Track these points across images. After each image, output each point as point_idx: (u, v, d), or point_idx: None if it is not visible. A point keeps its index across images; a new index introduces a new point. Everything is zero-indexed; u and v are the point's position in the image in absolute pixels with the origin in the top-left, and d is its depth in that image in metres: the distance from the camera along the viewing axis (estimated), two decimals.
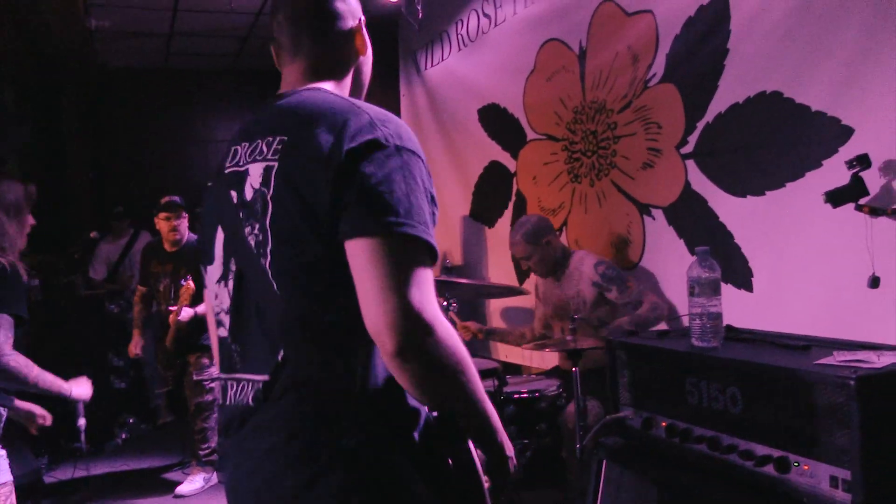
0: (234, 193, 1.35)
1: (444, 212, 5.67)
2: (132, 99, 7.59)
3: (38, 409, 2.82)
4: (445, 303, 3.19)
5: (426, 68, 5.80)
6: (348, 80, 1.49)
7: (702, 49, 3.42)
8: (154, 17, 6.20)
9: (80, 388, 2.78)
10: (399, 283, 1.15)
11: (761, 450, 1.80)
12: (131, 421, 6.06)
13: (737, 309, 3.31)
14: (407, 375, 1.18)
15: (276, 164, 1.28)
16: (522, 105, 4.71)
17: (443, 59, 5.53)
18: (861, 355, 1.73)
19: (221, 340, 1.40)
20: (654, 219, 3.80)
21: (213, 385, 4.81)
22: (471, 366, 1.24)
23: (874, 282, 2.71)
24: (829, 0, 2.88)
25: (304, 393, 1.25)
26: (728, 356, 1.92)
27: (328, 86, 1.43)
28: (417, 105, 5.97)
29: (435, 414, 1.32)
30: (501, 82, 4.88)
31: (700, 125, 3.47)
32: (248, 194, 1.32)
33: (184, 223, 4.76)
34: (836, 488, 1.62)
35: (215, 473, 4.90)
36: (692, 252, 3.52)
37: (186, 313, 4.48)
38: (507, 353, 4.93)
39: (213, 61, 7.62)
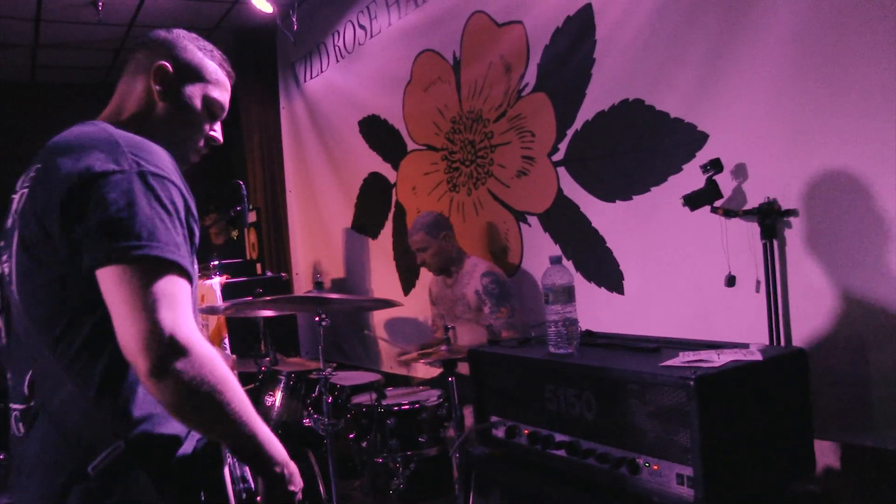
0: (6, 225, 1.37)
1: (324, 225, 5.62)
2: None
3: None
4: (318, 319, 3.13)
5: (305, 80, 5.72)
6: (145, 125, 1.47)
7: (570, 59, 3.50)
8: (16, 27, 5.89)
9: None
10: (148, 305, 1.14)
11: (616, 452, 1.82)
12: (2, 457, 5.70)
13: (609, 312, 3.40)
14: (163, 397, 1.17)
15: (27, 191, 1.30)
16: (402, 116, 4.70)
17: (322, 71, 5.47)
18: (704, 355, 1.77)
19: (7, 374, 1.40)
20: (530, 225, 3.85)
21: None
22: (232, 387, 1.22)
23: (730, 281, 2.83)
24: (682, 10, 2.98)
25: (53, 420, 1.24)
26: (580, 362, 1.94)
27: (109, 122, 1.44)
28: (297, 118, 5.88)
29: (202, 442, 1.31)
30: (380, 93, 4.86)
31: (570, 133, 3.54)
32: (8, 223, 1.34)
33: None
34: (681, 485, 1.66)
35: None
36: (568, 256, 3.61)
37: None
38: (391, 364, 4.90)
39: (85, 75, 7.31)
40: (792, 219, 2.69)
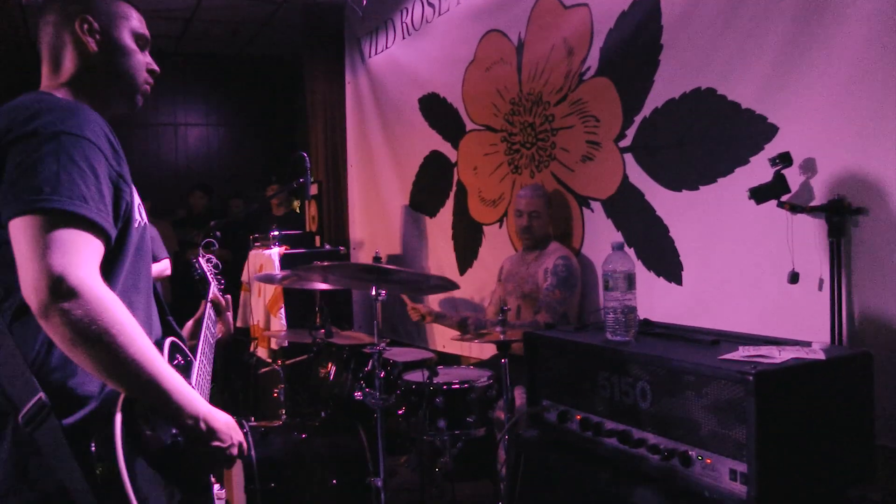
0: None
1: (382, 202, 5.65)
2: None
3: None
4: (374, 293, 3.16)
5: (370, 56, 5.74)
6: (87, 79, 1.54)
7: (635, 43, 3.44)
8: None
9: None
10: (41, 250, 1.21)
11: (668, 444, 1.81)
12: None
13: (667, 303, 3.36)
14: (53, 336, 1.23)
15: None
16: (461, 95, 4.69)
17: (387, 47, 5.48)
18: (764, 350, 1.74)
19: None
20: (592, 211, 3.81)
21: None
22: (130, 332, 1.26)
23: (793, 277, 2.76)
24: (755, 2, 2.91)
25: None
26: (638, 351, 1.92)
27: (51, 88, 1.52)
28: (361, 93, 5.91)
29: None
30: (441, 72, 4.85)
31: (637, 119, 3.49)
32: None
33: None
34: (734, 481, 1.64)
35: None
36: (629, 243, 3.58)
37: None
38: (444, 343, 4.92)
39: (156, 42, 7.45)
40: (861, 217, 2.61)
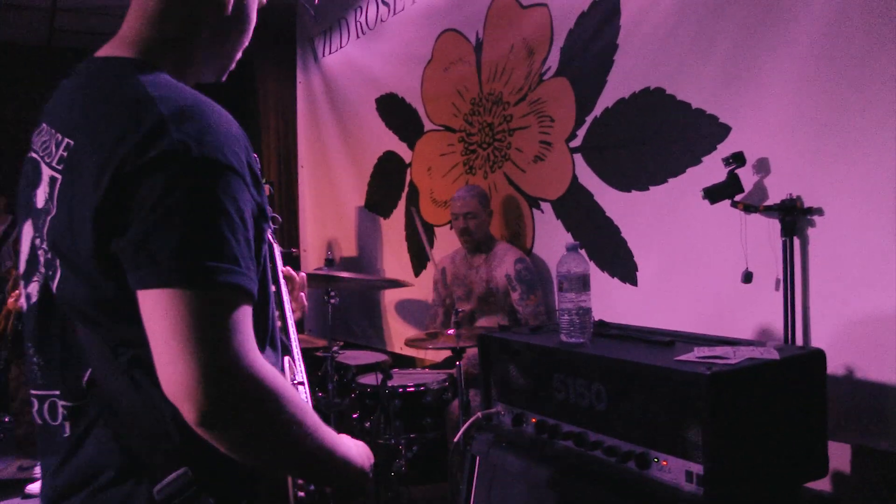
0: (31, 189, 1.12)
1: (337, 203, 5.59)
2: (14, 77, 7.13)
3: None
4: (326, 297, 3.11)
5: (324, 55, 5.66)
6: (180, 44, 1.17)
7: (594, 44, 3.44)
8: None
9: None
10: (197, 342, 0.92)
11: (625, 446, 1.79)
12: (7, 420, 5.74)
13: (622, 303, 3.35)
14: (222, 446, 0.96)
15: (60, 177, 1.04)
16: (420, 95, 4.64)
17: (341, 47, 5.41)
18: (719, 351, 1.73)
19: (26, 348, 1.18)
20: (542, 212, 3.80)
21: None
22: (301, 422, 1.02)
23: (747, 277, 2.78)
24: (707, 4, 2.92)
25: (113, 430, 1.06)
26: (593, 352, 1.90)
27: (137, 55, 1.13)
28: (314, 93, 5.83)
29: None
30: (399, 72, 4.80)
31: (589, 119, 3.49)
32: (39, 201, 1.09)
33: None
34: (690, 482, 1.62)
35: None
36: (582, 245, 3.56)
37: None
38: (400, 345, 4.87)
39: (99, 40, 7.25)
40: (815, 217, 2.63)
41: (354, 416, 3.55)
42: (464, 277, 3.90)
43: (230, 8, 1.19)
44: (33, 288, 1.14)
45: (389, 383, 3.42)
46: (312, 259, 5.93)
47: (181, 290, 0.92)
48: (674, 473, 1.66)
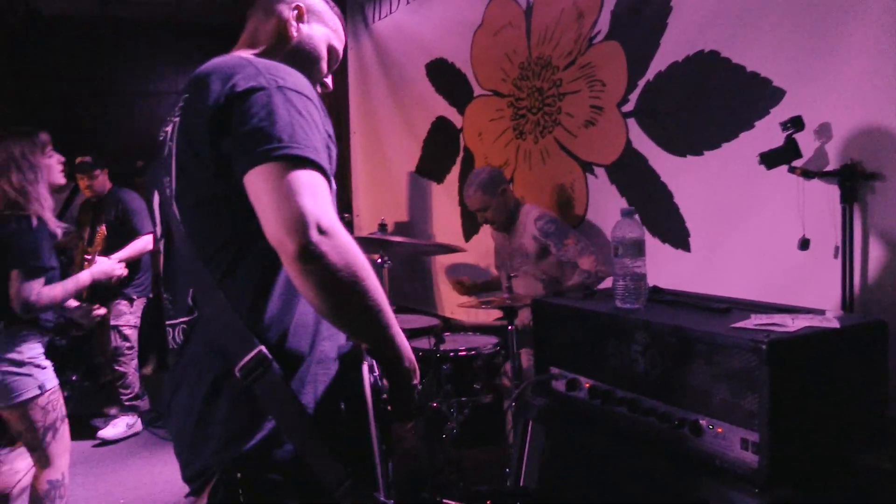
0: (162, 167, 1.43)
1: (388, 168, 5.62)
2: (67, 48, 7.25)
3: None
4: (380, 260, 3.14)
5: (374, 21, 5.66)
6: (276, 59, 1.48)
7: (646, 6, 3.38)
8: None
9: (100, 268, 3.24)
10: (292, 192, 1.18)
11: (679, 413, 1.80)
12: (74, 378, 5.94)
13: (674, 269, 3.33)
14: (307, 279, 1.18)
15: (178, 119, 1.38)
16: (469, 60, 4.62)
17: (391, 13, 5.39)
18: (777, 318, 1.72)
19: (164, 294, 1.50)
20: (596, 177, 3.78)
21: (129, 331, 4.81)
22: (373, 278, 1.25)
23: (804, 244, 2.73)
24: None
25: (206, 330, 1.33)
26: (647, 318, 1.90)
27: (247, 53, 1.51)
28: (364, 59, 5.84)
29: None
30: (449, 37, 4.78)
31: (641, 83, 3.44)
32: (165, 151, 1.42)
33: (99, 181, 4.88)
34: (745, 450, 1.63)
35: (139, 419, 4.91)
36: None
37: (101, 262, 4.36)
38: (452, 309, 4.92)
39: (155, 10, 7.33)
40: (876, 183, 2.58)
41: None
42: (502, 249, 3.91)
43: (293, 32, 1.58)
44: (162, 243, 1.48)
45: (441, 347, 3.46)
46: (365, 224, 5.99)
47: (279, 162, 1.20)
48: (729, 441, 1.67)
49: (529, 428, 2.31)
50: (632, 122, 3.51)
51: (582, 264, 3.55)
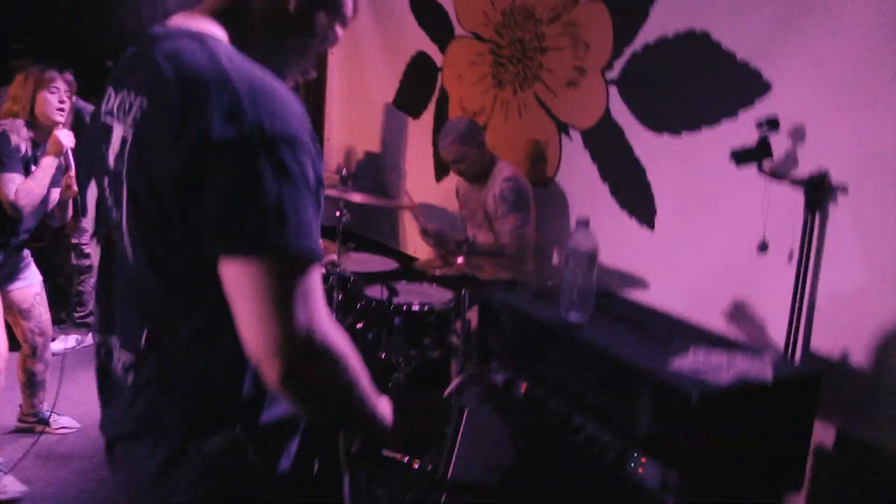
0: (102, 149, 1.19)
1: (366, 97, 5.46)
2: None
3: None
4: (338, 213, 3.08)
5: None
6: (259, 38, 1.22)
7: None
8: None
9: (62, 139, 3.24)
10: (280, 305, 1.00)
11: (606, 437, 1.81)
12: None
13: (636, 245, 3.33)
14: (292, 402, 1.08)
15: (131, 135, 1.11)
16: None
17: None
18: (714, 359, 1.72)
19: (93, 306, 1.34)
20: (571, 140, 3.71)
21: (89, 250, 4.75)
22: (361, 384, 1.15)
23: (763, 247, 2.72)
24: None
25: (168, 388, 1.16)
26: (589, 338, 1.89)
27: (220, 33, 1.18)
28: None
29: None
30: None
31: (627, 52, 3.34)
32: (111, 161, 1.15)
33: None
34: (664, 488, 1.65)
35: (90, 335, 4.92)
36: (604, 179, 3.50)
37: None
38: (415, 248, 4.89)
39: None
40: (840, 195, 2.55)
41: (359, 325, 3.60)
42: (469, 201, 3.85)
43: (293, 4, 1.21)
44: (97, 246, 1.26)
45: (395, 300, 3.45)
46: (336, 151, 5.85)
47: (263, 259, 1.00)
48: (649, 475, 1.69)
49: (465, 415, 2.32)
50: (613, 90, 3.42)
51: (501, 237, 3.56)
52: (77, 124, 4.50)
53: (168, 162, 1.03)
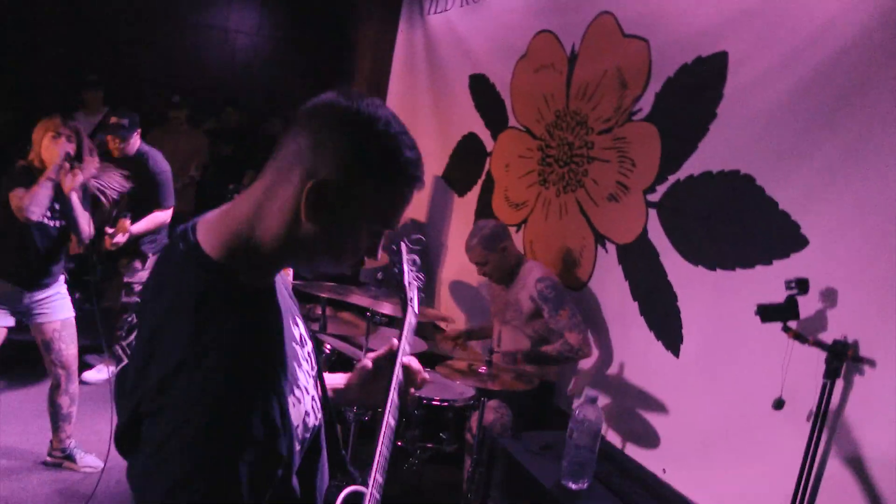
0: None
1: None
2: None
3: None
4: (368, 314, 3.18)
5: (429, 13, 5.52)
6: (285, 245, 1.13)
7: (692, 103, 3.27)
8: None
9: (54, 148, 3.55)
10: None
11: None
12: (77, 296, 6.08)
13: (658, 368, 3.34)
14: None
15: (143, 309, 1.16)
16: (510, 88, 4.52)
17: (446, 9, 5.25)
18: None
19: None
20: (606, 252, 3.74)
21: (139, 288, 4.91)
22: None
23: (778, 404, 2.70)
24: (821, 105, 2.73)
25: None
26: None
27: (236, 234, 1.13)
28: (415, 46, 5.72)
29: None
30: (495, 56, 4.67)
31: (671, 179, 3.36)
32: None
33: (130, 143, 4.65)
34: None
35: (122, 366, 5.06)
36: (635, 297, 3.52)
37: (119, 239, 4.43)
38: (445, 306, 4.94)
39: None
40: (866, 367, 2.53)
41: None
42: (494, 298, 3.92)
43: (305, 221, 1.10)
44: None
45: (416, 393, 3.50)
46: None
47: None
48: None
49: None
50: (653, 213, 3.45)
51: (569, 338, 3.56)
52: (139, 165, 4.70)
53: (127, 402, 1.07)
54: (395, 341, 1.55)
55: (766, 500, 2.78)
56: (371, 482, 1.37)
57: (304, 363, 1.26)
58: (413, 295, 1.69)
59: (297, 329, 1.29)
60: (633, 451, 3.44)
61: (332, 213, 1.08)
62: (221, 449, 1.00)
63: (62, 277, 3.76)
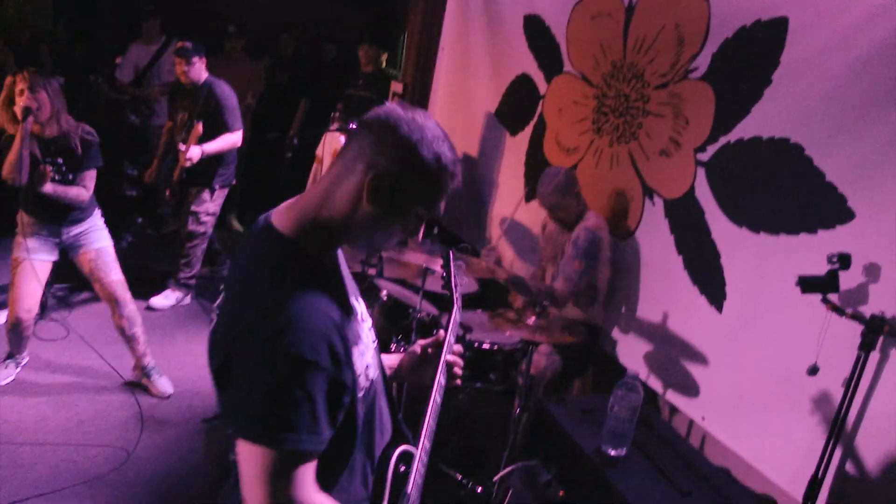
0: None
1: (470, 104, 5.59)
2: None
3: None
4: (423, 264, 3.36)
5: None
6: (345, 225, 1.40)
7: (748, 67, 3.28)
8: None
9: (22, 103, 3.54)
10: (257, 483, 1.26)
11: None
12: (139, 220, 6.36)
13: (702, 323, 3.48)
14: None
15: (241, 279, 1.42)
16: (565, 32, 4.52)
17: None
18: None
19: None
20: (654, 204, 3.83)
21: (207, 218, 5.13)
22: None
23: (813, 370, 2.83)
24: (877, 85, 2.75)
25: None
26: (616, 483, 2.12)
27: (308, 213, 1.40)
28: None
29: None
30: None
31: (722, 140, 3.41)
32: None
33: (195, 68, 4.89)
34: None
35: (189, 296, 5.37)
36: (680, 251, 3.63)
37: (193, 153, 4.65)
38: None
39: None
40: None
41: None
42: (552, 240, 4.04)
43: (367, 210, 1.38)
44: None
45: (467, 336, 3.70)
46: None
47: (258, 447, 1.26)
48: None
49: (509, 495, 2.60)
50: (701, 171, 3.52)
51: (557, 283, 3.76)
52: (207, 94, 4.86)
53: (225, 336, 1.34)
54: (442, 332, 1.77)
55: (796, 455, 2.96)
56: (420, 447, 1.61)
57: (365, 332, 1.52)
58: (458, 296, 1.89)
59: (359, 306, 1.55)
60: (674, 398, 3.63)
61: (386, 198, 1.36)
62: (297, 377, 1.25)
63: (97, 211, 3.94)
